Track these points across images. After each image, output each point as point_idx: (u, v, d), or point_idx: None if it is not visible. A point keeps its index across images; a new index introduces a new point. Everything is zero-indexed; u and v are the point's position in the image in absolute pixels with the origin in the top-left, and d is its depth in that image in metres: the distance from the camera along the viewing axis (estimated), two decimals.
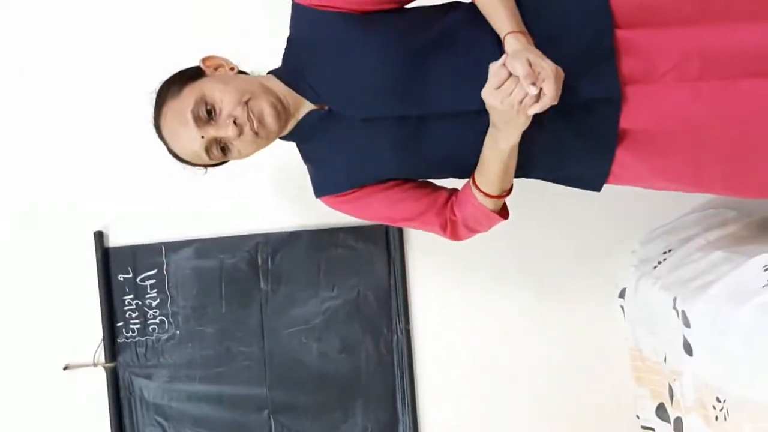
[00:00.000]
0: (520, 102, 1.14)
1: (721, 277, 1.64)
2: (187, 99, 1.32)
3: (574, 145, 1.34)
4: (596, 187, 1.43)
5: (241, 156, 1.37)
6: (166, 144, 1.39)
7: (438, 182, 1.49)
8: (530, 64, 1.13)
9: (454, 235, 1.45)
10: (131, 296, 2.17)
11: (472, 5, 1.34)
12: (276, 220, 2.18)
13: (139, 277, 2.17)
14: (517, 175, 1.40)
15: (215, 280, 2.17)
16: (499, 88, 1.14)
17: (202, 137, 1.31)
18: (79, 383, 2.18)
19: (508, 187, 1.38)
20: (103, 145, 2.18)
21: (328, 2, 1.34)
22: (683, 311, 1.69)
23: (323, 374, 2.18)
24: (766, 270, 1.51)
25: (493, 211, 1.39)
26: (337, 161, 1.41)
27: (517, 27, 1.25)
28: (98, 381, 2.17)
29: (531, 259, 2.21)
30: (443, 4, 1.42)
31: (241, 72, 1.41)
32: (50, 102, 2.18)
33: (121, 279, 2.17)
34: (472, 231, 1.45)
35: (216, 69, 1.39)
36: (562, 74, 1.16)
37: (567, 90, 1.21)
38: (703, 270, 1.76)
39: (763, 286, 1.46)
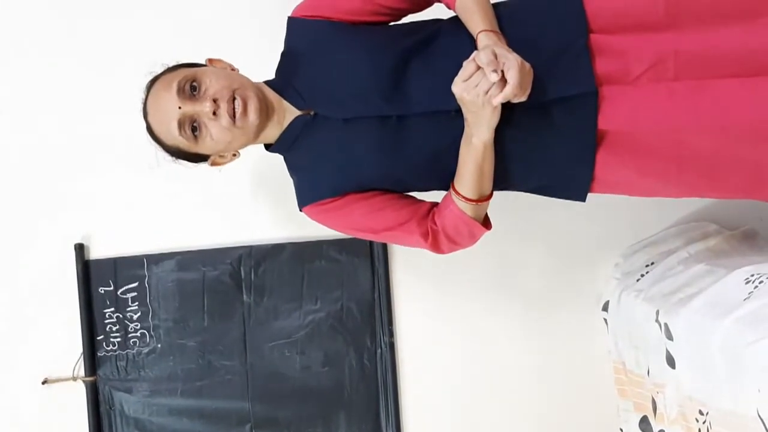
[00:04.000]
0: (486, 92, 1.17)
1: (703, 290, 1.65)
2: (179, 74, 1.35)
3: (553, 147, 1.35)
4: (581, 196, 1.43)
5: (212, 143, 1.36)
6: (146, 116, 1.39)
7: (422, 196, 1.49)
8: (495, 56, 1.17)
9: (435, 246, 1.43)
10: (112, 309, 2.15)
11: (456, 17, 1.38)
12: (259, 232, 2.17)
13: (120, 290, 2.15)
14: (499, 188, 1.40)
15: (197, 292, 2.16)
16: (467, 80, 1.19)
17: (179, 108, 1.32)
18: (58, 397, 2.15)
19: (487, 192, 1.38)
20: (84, 156, 2.16)
21: (321, 12, 1.40)
22: (666, 324, 1.70)
23: (306, 387, 2.16)
24: (747, 283, 1.52)
25: (474, 219, 1.38)
26: (320, 167, 1.42)
27: (490, 26, 1.29)
28: (78, 395, 2.15)
29: (514, 272, 2.21)
30: (430, 19, 1.46)
31: None
32: (31, 113, 2.17)
33: (102, 292, 2.14)
34: (453, 242, 1.43)
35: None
36: (528, 67, 1.20)
37: (542, 88, 1.25)
38: (685, 283, 1.77)
39: (745, 299, 1.46)
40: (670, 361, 1.70)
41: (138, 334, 2.15)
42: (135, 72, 2.12)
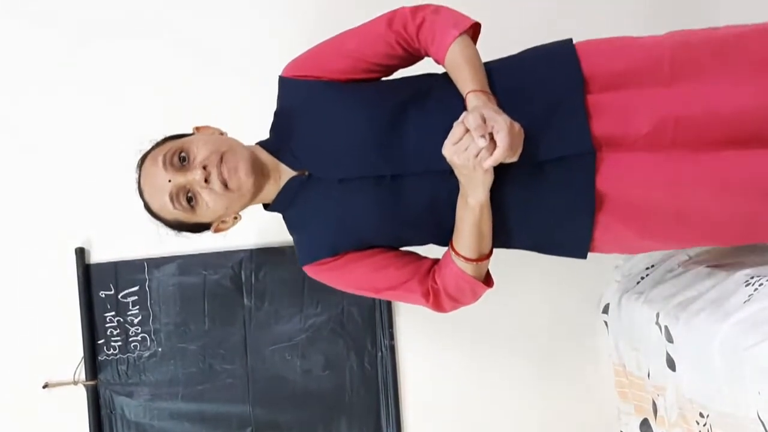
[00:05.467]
0: (477, 156, 1.15)
1: (703, 292, 1.65)
2: (165, 147, 1.33)
3: (550, 205, 1.32)
4: (581, 254, 1.40)
5: (210, 211, 1.34)
6: (141, 195, 1.38)
7: (422, 249, 1.47)
8: (484, 119, 1.14)
9: (437, 305, 1.41)
10: (113, 313, 2.15)
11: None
12: (259, 236, 2.17)
13: (121, 294, 2.15)
14: (498, 245, 1.39)
15: (198, 296, 2.16)
16: (456, 143, 1.16)
17: (169, 181, 1.30)
18: (59, 401, 2.15)
19: (487, 250, 1.36)
20: (84, 161, 2.16)
21: (311, 71, 1.38)
22: (666, 327, 1.70)
23: (307, 391, 2.16)
24: (747, 285, 1.52)
25: (475, 278, 1.36)
26: (319, 227, 1.40)
27: (479, 86, 1.26)
28: (79, 399, 2.15)
29: (514, 271, 2.21)
30: (422, 74, 1.44)
31: None
32: (31, 118, 2.17)
33: (103, 296, 2.15)
34: (455, 301, 1.41)
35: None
36: (518, 128, 1.17)
37: (537, 147, 1.23)
38: (685, 286, 1.77)
39: (745, 302, 1.47)
40: (671, 364, 1.70)
41: (139, 338, 2.15)
42: (137, 76, 2.14)
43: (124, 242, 2.15)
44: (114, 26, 2.18)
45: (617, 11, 2.22)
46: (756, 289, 1.47)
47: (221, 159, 1.29)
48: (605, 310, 2.13)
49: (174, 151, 1.30)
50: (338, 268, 1.40)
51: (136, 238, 2.15)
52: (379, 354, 2.18)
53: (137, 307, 2.15)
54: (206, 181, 1.28)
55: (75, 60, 2.18)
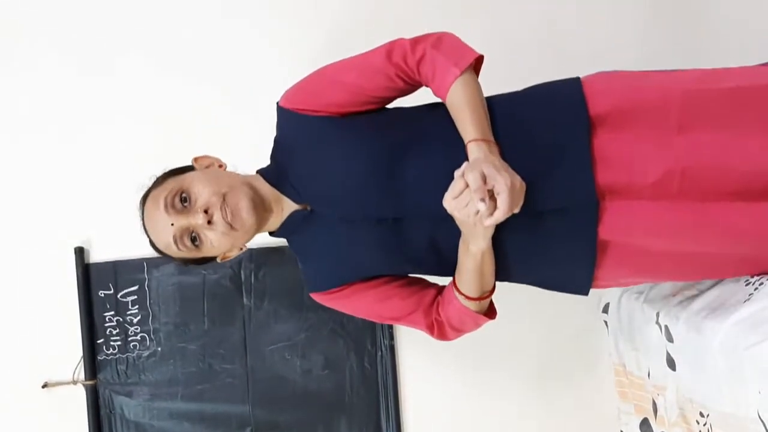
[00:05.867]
0: (477, 214, 1.13)
1: (703, 292, 1.65)
2: (166, 188, 1.33)
3: (552, 251, 1.33)
4: (583, 292, 1.40)
5: (215, 249, 1.34)
6: (146, 233, 1.39)
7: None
8: (485, 178, 1.12)
9: (442, 336, 1.44)
10: (112, 313, 2.15)
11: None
12: (259, 236, 2.16)
13: (121, 294, 2.15)
14: (500, 279, 1.39)
15: (198, 296, 2.15)
16: (457, 198, 1.14)
17: (172, 224, 1.30)
18: (58, 401, 2.14)
19: (489, 288, 1.37)
20: (84, 159, 2.16)
21: (309, 105, 1.35)
22: (666, 326, 1.70)
23: (307, 391, 2.16)
24: (747, 285, 1.52)
25: (478, 312, 1.38)
26: (322, 259, 1.41)
27: (480, 134, 1.23)
28: (78, 399, 2.14)
29: None
30: (425, 104, 1.42)
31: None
32: (32, 117, 2.17)
33: (102, 295, 2.14)
34: (458, 331, 1.44)
35: (207, 167, 1.41)
36: (519, 184, 1.15)
37: (539, 198, 1.22)
38: (685, 285, 1.77)
39: (745, 301, 1.46)
40: (671, 363, 1.70)
41: (138, 337, 2.15)
42: (135, 75, 2.15)
43: (123, 242, 2.14)
44: (116, 41, 2.18)
45: (617, 11, 2.22)
46: (756, 289, 1.47)
47: (223, 200, 1.29)
48: (605, 310, 2.12)
49: (175, 193, 1.30)
50: (344, 298, 1.43)
51: (136, 237, 2.11)
52: (379, 354, 2.18)
53: (137, 306, 2.15)
54: (209, 222, 1.29)
55: (76, 61, 2.18)
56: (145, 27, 2.18)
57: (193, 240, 1.31)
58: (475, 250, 1.27)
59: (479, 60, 1.34)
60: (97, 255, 2.16)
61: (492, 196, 1.12)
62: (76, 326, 2.13)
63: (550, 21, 2.21)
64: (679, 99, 1.28)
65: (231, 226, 1.30)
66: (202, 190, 1.30)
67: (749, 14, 2.23)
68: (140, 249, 2.13)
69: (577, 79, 1.36)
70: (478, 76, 1.34)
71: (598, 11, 2.22)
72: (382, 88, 1.35)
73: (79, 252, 2.14)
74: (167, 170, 1.40)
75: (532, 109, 1.33)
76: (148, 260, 2.15)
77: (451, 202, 1.14)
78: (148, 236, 1.38)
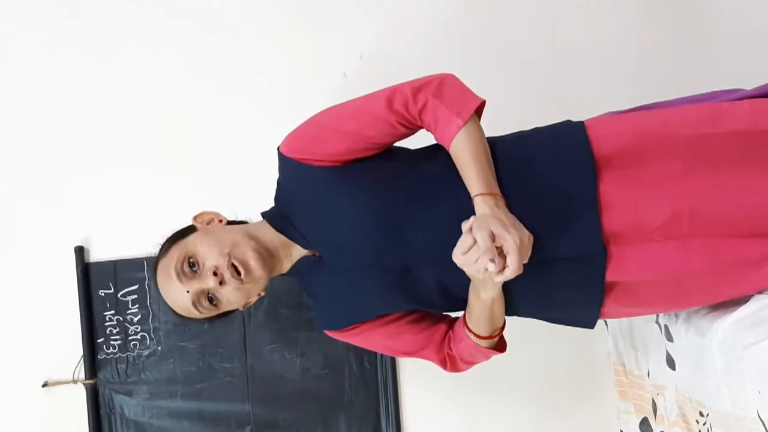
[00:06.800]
0: (486, 270, 1.12)
1: None
2: (172, 256, 1.34)
3: (560, 296, 1.35)
4: (590, 326, 1.43)
5: (233, 303, 1.36)
6: (166, 301, 1.39)
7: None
8: (494, 236, 1.12)
9: (454, 369, 1.48)
10: (112, 312, 2.15)
11: None
12: None
13: (121, 293, 2.15)
14: (507, 314, 1.41)
15: None
16: (466, 254, 1.14)
17: (188, 291, 1.32)
18: (58, 400, 2.15)
19: (500, 325, 1.40)
20: (84, 158, 2.16)
21: (310, 155, 1.34)
22: (666, 326, 1.70)
23: (306, 390, 2.16)
24: None
25: (489, 348, 1.41)
26: (333, 302, 1.43)
27: (486, 188, 1.22)
28: (78, 398, 2.15)
29: None
30: (428, 147, 1.41)
31: (231, 222, 1.44)
32: (31, 115, 2.17)
33: (102, 294, 2.14)
34: (470, 364, 1.47)
35: (208, 223, 1.42)
36: (528, 239, 1.16)
37: (547, 247, 1.23)
38: None
39: (745, 301, 1.46)
40: (671, 363, 1.70)
41: (138, 336, 2.15)
42: (135, 76, 2.14)
43: (123, 241, 2.15)
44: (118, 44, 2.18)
45: (617, 11, 2.22)
46: None
47: (230, 259, 1.30)
48: None
49: (182, 261, 1.32)
50: (355, 335, 1.45)
51: (136, 236, 2.15)
52: (379, 353, 2.17)
53: (137, 305, 2.15)
54: (221, 283, 1.31)
55: (75, 58, 2.18)
56: (146, 20, 2.19)
57: (211, 300, 1.34)
58: (485, 297, 1.29)
59: (481, 105, 1.32)
60: (97, 254, 2.17)
61: (501, 252, 1.13)
62: (76, 325, 2.13)
63: (550, 21, 2.21)
64: (687, 139, 1.29)
65: (242, 282, 1.32)
66: (207, 253, 1.31)
67: (749, 14, 2.23)
68: (140, 248, 2.15)
69: (581, 123, 1.37)
70: (480, 119, 1.33)
71: (598, 11, 2.22)
72: (383, 135, 1.34)
73: (79, 251, 2.14)
74: (170, 236, 1.42)
75: (537, 155, 1.32)
76: (148, 259, 2.14)
77: (460, 257, 1.15)
78: (169, 305, 1.39)
